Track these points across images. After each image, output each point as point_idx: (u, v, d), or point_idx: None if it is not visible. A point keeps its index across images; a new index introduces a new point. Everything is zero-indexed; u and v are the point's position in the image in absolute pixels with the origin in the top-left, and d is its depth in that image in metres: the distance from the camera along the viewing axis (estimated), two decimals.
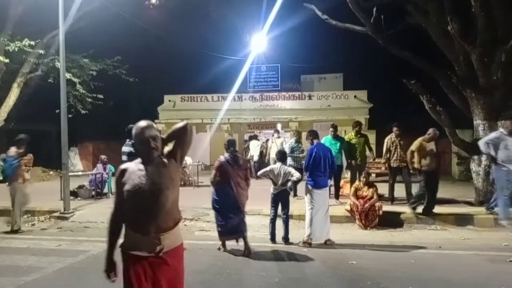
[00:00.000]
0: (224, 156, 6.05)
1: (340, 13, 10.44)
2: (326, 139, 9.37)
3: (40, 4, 12.74)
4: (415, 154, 8.13)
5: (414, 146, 8.24)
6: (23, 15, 13.98)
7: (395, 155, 9.12)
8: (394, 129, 9.37)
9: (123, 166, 2.65)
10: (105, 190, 11.21)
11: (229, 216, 5.95)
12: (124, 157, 6.56)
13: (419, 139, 8.27)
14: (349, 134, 10.00)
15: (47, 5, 10.99)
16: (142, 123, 2.67)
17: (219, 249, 6.23)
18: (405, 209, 8.32)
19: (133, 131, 2.65)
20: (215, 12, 19.14)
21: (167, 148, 2.73)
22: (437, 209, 8.45)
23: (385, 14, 9.55)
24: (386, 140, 9.42)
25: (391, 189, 9.40)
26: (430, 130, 8.29)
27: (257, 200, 9.76)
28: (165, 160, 2.68)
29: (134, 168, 2.63)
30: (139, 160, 2.68)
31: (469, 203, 9.15)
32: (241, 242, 6.05)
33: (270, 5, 14.86)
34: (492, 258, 5.60)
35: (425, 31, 9.73)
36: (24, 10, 13.95)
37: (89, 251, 6.24)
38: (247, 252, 5.92)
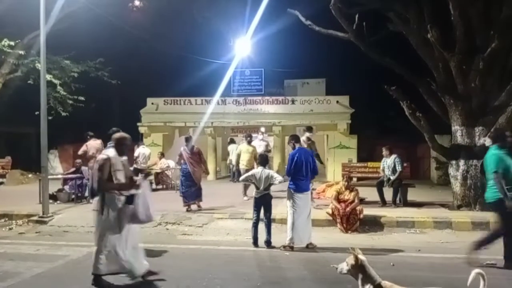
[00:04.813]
0: (183, 147, 9.47)
1: (323, 19, 10.57)
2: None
3: (20, 4, 12.53)
4: None
5: None
6: (2, 14, 13.70)
7: None
8: None
9: None
10: (86, 193, 11.02)
11: (188, 185, 9.24)
12: None
13: None
14: None
15: (28, 5, 10.82)
16: None
17: (187, 210, 9.09)
18: (385, 213, 8.46)
19: None
20: (199, 15, 19.11)
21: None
22: (416, 213, 8.62)
23: (367, 21, 9.71)
24: None
25: None
26: None
27: (240, 204, 9.81)
28: None
29: None
30: None
31: (448, 207, 9.35)
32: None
33: (254, 10, 14.94)
34: (470, 261, 5.71)
35: (406, 38, 9.93)
36: (4, 9, 13.68)
37: (68, 256, 6.13)
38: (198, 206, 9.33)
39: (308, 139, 9.72)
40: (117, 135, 5.01)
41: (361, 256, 3.16)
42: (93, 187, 4.84)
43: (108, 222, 4.64)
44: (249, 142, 11.89)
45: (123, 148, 4.90)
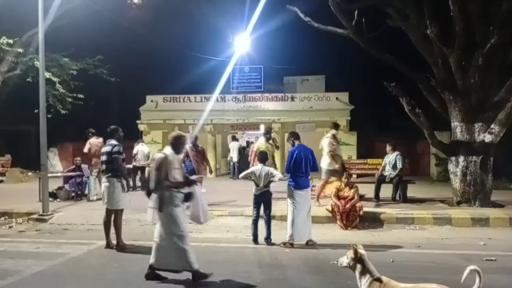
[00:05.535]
0: (189, 145, 9.34)
1: (323, 15, 10.55)
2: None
3: (19, 1, 12.49)
4: None
5: None
6: (0, 12, 13.67)
7: None
8: None
9: None
10: (85, 191, 11.01)
11: None
12: (103, 158, 6.49)
13: None
14: None
15: (27, 2, 10.78)
16: None
17: None
18: (385, 210, 8.47)
19: None
20: (198, 12, 19.06)
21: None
22: (416, 209, 8.62)
23: (366, 17, 9.69)
24: None
25: None
26: None
27: (239, 201, 9.80)
28: None
29: None
30: None
31: (447, 203, 9.36)
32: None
33: (253, 6, 14.90)
34: (469, 257, 5.72)
35: (405, 34, 9.90)
36: (2, 7, 13.64)
37: (68, 254, 6.13)
38: None
39: (334, 136, 9.29)
40: (174, 133, 5.11)
41: (361, 250, 3.20)
42: (149, 186, 4.90)
43: (169, 220, 4.73)
44: (268, 139, 10.52)
45: (180, 146, 5.01)
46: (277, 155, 16.90)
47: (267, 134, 10.56)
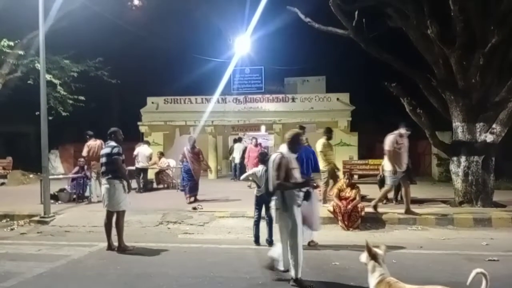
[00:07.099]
0: (186, 147, 10.29)
1: (323, 16, 10.54)
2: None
3: (19, 3, 12.51)
4: None
5: None
6: (1, 14, 13.69)
7: None
8: None
9: None
10: (87, 193, 11.00)
11: (188, 180, 10.17)
12: (103, 159, 6.48)
13: None
14: None
15: (27, 4, 10.80)
16: None
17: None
18: (386, 210, 8.45)
19: None
20: (199, 13, 19.09)
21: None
22: (418, 209, 8.59)
23: (366, 18, 9.68)
24: None
25: None
26: None
27: (241, 202, 9.80)
28: None
29: None
30: None
31: (449, 204, 9.34)
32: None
33: (253, 7, 14.90)
34: (472, 257, 5.71)
35: (405, 34, 9.89)
36: (2, 9, 13.67)
37: (70, 256, 6.13)
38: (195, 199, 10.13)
39: (401, 135, 8.33)
40: (291, 132, 4.99)
41: (378, 250, 3.29)
42: (269, 186, 4.80)
43: (294, 219, 4.66)
44: (329, 139, 9.74)
45: (297, 145, 4.91)
46: None
47: (328, 133, 9.62)
